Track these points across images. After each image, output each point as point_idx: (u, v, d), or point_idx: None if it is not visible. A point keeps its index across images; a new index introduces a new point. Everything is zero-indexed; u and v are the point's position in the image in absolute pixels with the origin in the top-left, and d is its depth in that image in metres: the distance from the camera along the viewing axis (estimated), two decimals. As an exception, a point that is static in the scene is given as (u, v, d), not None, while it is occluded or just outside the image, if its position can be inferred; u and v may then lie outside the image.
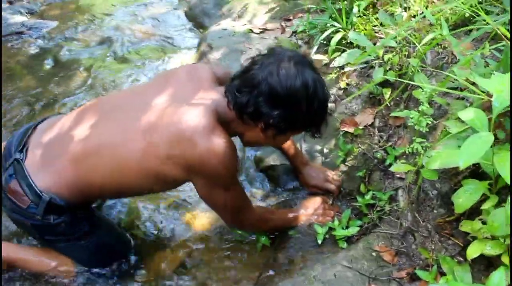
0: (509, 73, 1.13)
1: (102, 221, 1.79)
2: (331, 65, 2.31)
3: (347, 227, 1.78)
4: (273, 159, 2.13)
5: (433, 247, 1.49)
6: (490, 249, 1.22)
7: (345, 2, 2.51)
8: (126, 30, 3.70)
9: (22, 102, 2.87)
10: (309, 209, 1.87)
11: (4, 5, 4.33)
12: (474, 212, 1.35)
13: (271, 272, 1.74)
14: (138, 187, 1.59)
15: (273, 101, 1.36)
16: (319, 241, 1.77)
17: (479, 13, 1.58)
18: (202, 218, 1.99)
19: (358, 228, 1.76)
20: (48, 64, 3.34)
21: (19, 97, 2.91)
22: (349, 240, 1.75)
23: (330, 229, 1.80)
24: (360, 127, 2.02)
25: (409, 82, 1.69)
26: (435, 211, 1.56)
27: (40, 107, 2.80)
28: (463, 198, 1.24)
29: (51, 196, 1.51)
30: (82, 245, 1.68)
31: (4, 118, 2.70)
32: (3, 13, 4.04)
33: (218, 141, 1.40)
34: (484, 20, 1.55)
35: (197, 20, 3.69)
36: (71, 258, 1.74)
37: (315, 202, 1.89)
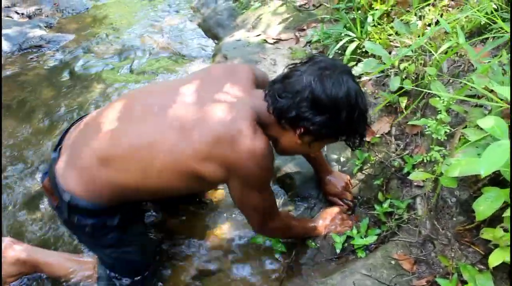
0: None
1: (133, 238, 1.70)
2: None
3: (365, 236, 1.79)
4: (289, 167, 2.14)
5: (453, 255, 1.48)
6: (512, 257, 1.21)
7: (359, 12, 2.53)
8: (142, 42, 3.76)
9: (42, 113, 2.92)
10: (327, 220, 1.88)
11: (23, 20, 4.43)
12: (495, 220, 1.35)
13: (290, 281, 1.74)
14: (175, 188, 1.55)
15: (316, 108, 1.37)
16: (338, 250, 1.78)
17: (496, 20, 1.59)
18: (219, 227, 2.01)
19: (376, 237, 1.76)
20: (66, 76, 3.40)
21: (38, 108, 2.97)
22: (367, 248, 1.76)
23: (349, 238, 1.81)
24: (377, 135, 2.02)
25: (427, 90, 1.69)
26: (454, 219, 1.56)
27: (58, 118, 2.85)
28: (484, 206, 1.24)
29: (71, 196, 1.49)
30: (106, 253, 1.70)
31: (22, 128, 2.76)
32: (22, 28, 4.13)
33: (260, 143, 1.39)
34: (501, 28, 1.56)
35: (212, 31, 3.74)
36: (97, 257, 1.79)
37: (332, 212, 1.90)
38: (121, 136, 1.49)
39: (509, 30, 1.51)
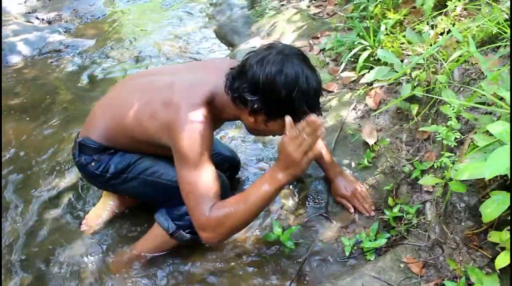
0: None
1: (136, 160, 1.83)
2: (359, 82, 2.36)
3: (375, 239, 1.81)
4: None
5: (461, 259, 1.50)
6: (519, 259, 1.24)
7: (373, 21, 2.57)
8: (158, 48, 3.83)
9: (58, 115, 3.00)
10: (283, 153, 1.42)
11: (43, 25, 4.54)
12: (502, 224, 1.37)
13: (300, 282, 1.77)
14: (139, 142, 1.73)
15: (254, 88, 1.48)
16: (347, 253, 1.80)
17: (506, 30, 1.62)
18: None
19: (386, 240, 1.78)
20: (84, 80, 3.49)
21: (56, 111, 3.06)
22: (376, 252, 1.78)
23: (358, 241, 1.84)
24: (387, 139, 2.05)
25: (438, 97, 1.73)
26: (463, 224, 1.58)
27: (74, 121, 2.92)
28: (491, 208, 1.26)
29: (83, 138, 1.82)
30: (129, 185, 1.84)
31: (40, 127, 2.84)
32: (43, 33, 4.24)
33: (196, 116, 1.53)
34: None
35: (227, 38, 3.80)
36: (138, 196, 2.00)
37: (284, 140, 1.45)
38: (115, 102, 1.81)
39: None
